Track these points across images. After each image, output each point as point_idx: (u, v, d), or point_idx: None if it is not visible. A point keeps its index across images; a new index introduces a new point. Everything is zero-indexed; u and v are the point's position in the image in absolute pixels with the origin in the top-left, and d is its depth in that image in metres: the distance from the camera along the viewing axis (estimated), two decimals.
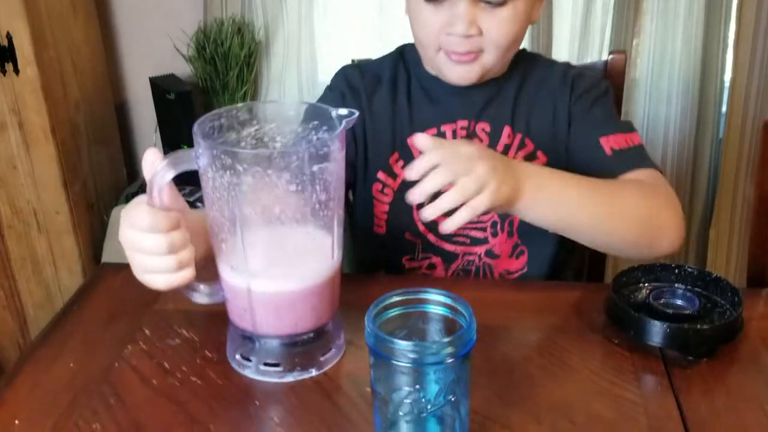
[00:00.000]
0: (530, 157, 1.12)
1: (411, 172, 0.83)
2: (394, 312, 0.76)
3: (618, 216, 0.96)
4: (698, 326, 0.88)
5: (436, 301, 0.75)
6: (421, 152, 0.85)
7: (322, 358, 0.87)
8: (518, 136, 1.12)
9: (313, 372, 0.85)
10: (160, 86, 2.07)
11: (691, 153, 2.05)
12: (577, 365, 0.87)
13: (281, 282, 0.82)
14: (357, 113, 0.81)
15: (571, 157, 1.11)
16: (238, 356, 0.86)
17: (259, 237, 0.80)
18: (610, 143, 1.07)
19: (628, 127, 1.11)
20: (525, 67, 1.15)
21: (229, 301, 0.86)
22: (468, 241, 1.16)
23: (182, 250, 0.80)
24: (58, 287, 1.96)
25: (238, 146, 0.84)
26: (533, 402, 0.81)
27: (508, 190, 0.87)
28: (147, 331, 0.93)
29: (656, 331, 0.87)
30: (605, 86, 1.15)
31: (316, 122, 0.85)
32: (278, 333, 0.85)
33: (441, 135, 1.13)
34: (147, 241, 0.79)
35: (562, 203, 0.94)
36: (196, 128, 0.79)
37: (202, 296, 0.86)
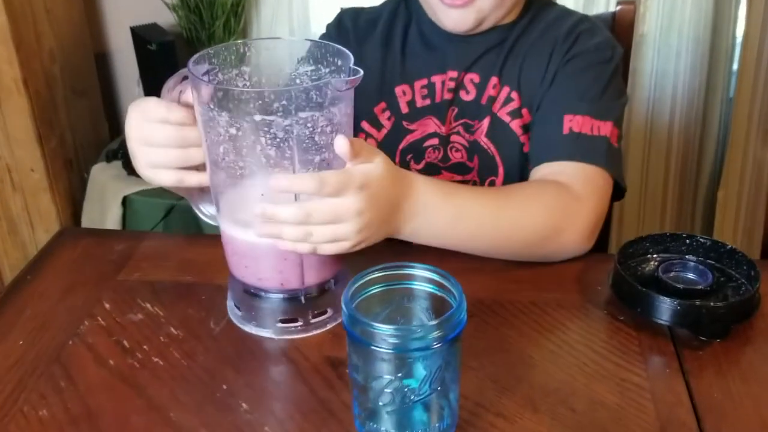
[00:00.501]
0: (515, 114, 1.03)
1: (278, 183, 0.71)
2: (375, 289, 0.68)
3: (506, 244, 0.89)
4: (711, 303, 0.80)
5: (422, 278, 0.67)
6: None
7: (313, 320, 0.81)
8: (505, 89, 1.03)
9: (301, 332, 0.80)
10: (142, 36, 1.96)
11: (700, 112, 1.96)
12: (579, 345, 0.79)
13: None
14: (361, 73, 0.73)
15: (533, 122, 1.02)
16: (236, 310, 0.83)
17: (258, 183, 0.74)
18: (572, 123, 0.95)
19: (607, 113, 0.96)
20: (534, 14, 1.05)
21: (228, 253, 0.81)
22: None
23: (194, 147, 0.77)
24: (36, 248, 1.88)
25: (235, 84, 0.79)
26: (530, 386, 0.73)
27: (374, 240, 0.79)
28: (107, 305, 0.85)
29: (665, 309, 0.79)
30: (609, 54, 1.01)
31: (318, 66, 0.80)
32: (282, 286, 0.79)
33: (431, 86, 1.05)
34: (159, 132, 0.76)
35: (446, 237, 0.87)
36: (191, 65, 0.73)
37: (210, 212, 0.83)
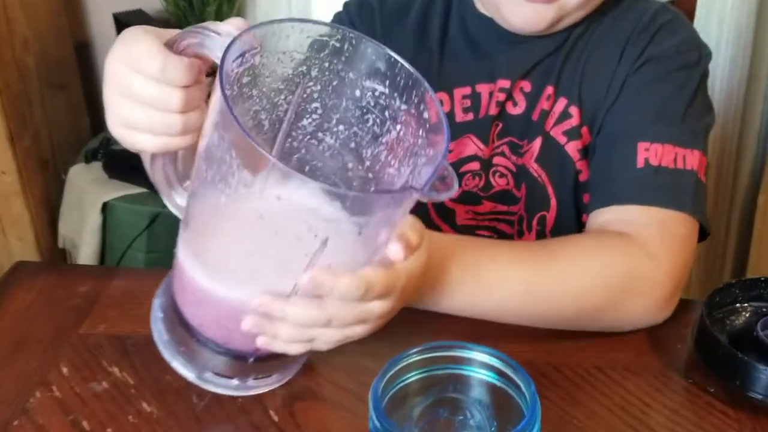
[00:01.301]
0: (573, 134, 0.82)
1: (316, 279, 0.53)
2: (412, 377, 0.50)
3: (546, 317, 0.72)
4: None
5: (478, 363, 0.50)
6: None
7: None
8: (561, 102, 0.82)
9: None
10: (126, 23, 1.79)
11: (740, 109, 1.78)
12: (662, 429, 0.62)
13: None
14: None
15: (594, 146, 0.82)
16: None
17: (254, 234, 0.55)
18: (649, 153, 0.74)
19: (694, 138, 0.76)
20: (604, 6, 0.82)
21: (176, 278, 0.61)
22: (494, 236, 0.90)
23: (194, 111, 0.56)
24: (8, 258, 1.70)
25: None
26: None
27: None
28: (65, 369, 0.67)
29: None
30: (696, 57, 0.80)
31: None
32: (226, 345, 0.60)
33: (475, 97, 0.85)
34: (151, 91, 0.54)
35: (471, 311, 0.71)
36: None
37: (181, 199, 0.61)
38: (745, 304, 0.73)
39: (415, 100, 0.54)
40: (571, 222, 0.87)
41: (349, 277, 0.53)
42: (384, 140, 0.58)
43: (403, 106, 0.55)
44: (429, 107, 0.54)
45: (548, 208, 0.87)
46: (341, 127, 0.60)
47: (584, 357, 0.69)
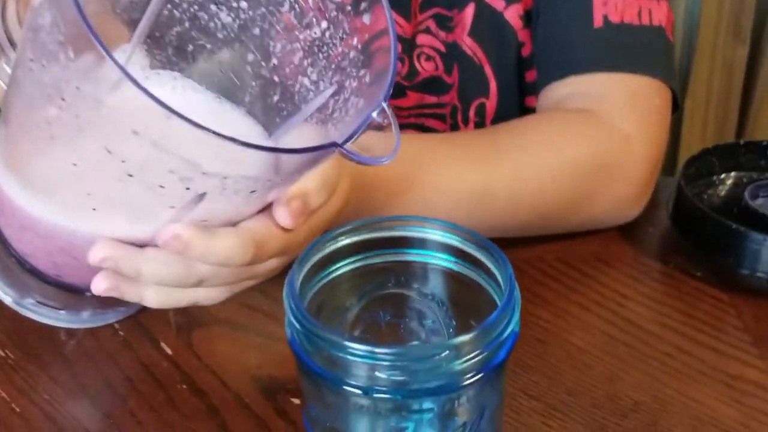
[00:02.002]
0: None
1: (173, 233, 0.36)
2: (340, 267, 0.37)
3: (506, 222, 0.57)
4: None
5: (429, 243, 0.37)
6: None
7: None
8: None
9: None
10: None
11: None
12: (649, 325, 0.51)
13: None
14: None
15: (538, 8, 0.68)
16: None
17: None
18: (608, 7, 0.62)
19: None
20: None
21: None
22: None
23: None
24: None
25: None
26: (592, 403, 0.45)
27: None
28: None
29: None
30: None
31: None
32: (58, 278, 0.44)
33: None
34: None
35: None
36: None
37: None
38: (722, 176, 0.62)
39: None
40: (515, 110, 0.75)
41: (231, 238, 0.37)
42: (302, 37, 0.43)
43: None
44: (372, 8, 0.39)
45: (487, 93, 0.73)
46: (244, 3, 0.45)
47: (545, 250, 0.58)
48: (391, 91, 0.35)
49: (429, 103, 0.76)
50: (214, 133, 0.30)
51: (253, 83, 0.45)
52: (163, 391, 0.46)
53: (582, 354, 0.48)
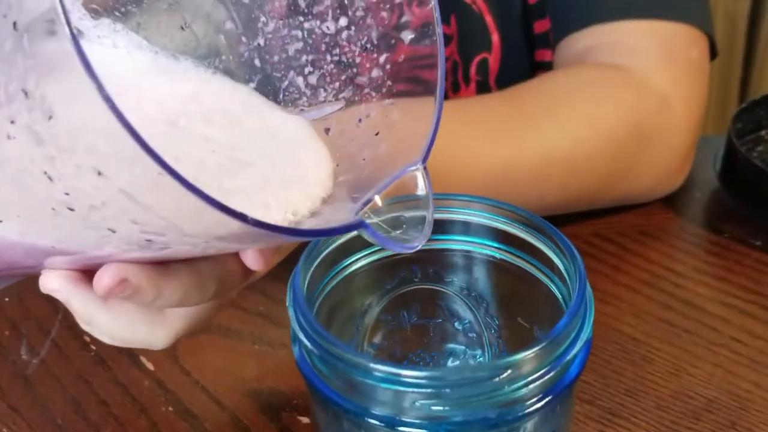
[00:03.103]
0: None
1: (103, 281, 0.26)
2: (355, 262, 0.30)
3: (526, 197, 0.48)
4: None
5: (469, 226, 0.30)
6: None
7: None
8: None
9: None
10: None
11: None
12: (701, 301, 0.44)
13: None
14: None
15: None
16: None
17: None
18: None
19: None
20: None
21: None
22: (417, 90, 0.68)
23: None
24: None
25: None
26: (645, 391, 0.38)
27: None
28: None
29: None
30: None
31: None
32: None
33: None
34: None
35: None
36: None
37: None
38: None
39: None
40: (523, 65, 0.67)
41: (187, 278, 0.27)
42: (307, 25, 0.34)
43: None
44: (419, 27, 0.30)
45: (489, 47, 0.65)
46: None
47: (579, 224, 0.50)
48: (431, 149, 0.27)
49: (423, 54, 0.67)
50: (234, 213, 0.20)
51: (225, 58, 0.36)
52: (146, 415, 0.39)
53: (638, 346, 0.41)
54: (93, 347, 0.43)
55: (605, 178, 0.49)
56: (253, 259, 0.26)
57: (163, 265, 0.25)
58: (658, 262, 0.47)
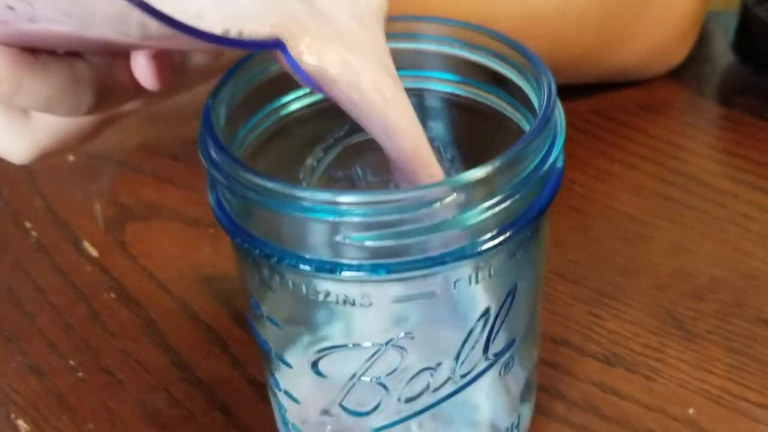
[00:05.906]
0: None
1: None
2: (298, 99, 0.25)
3: None
4: None
5: (422, 56, 0.25)
6: None
7: None
8: None
9: None
10: None
11: None
12: (713, 179, 0.39)
13: None
14: None
15: None
16: None
17: None
18: None
19: None
20: None
21: None
22: None
23: None
24: None
25: None
26: (651, 281, 0.34)
27: None
28: None
29: None
30: None
31: None
32: None
33: None
34: None
35: None
36: None
37: None
38: None
39: None
40: None
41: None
42: None
43: None
44: None
45: None
46: None
47: (576, 101, 0.45)
48: None
49: None
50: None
51: None
52: (85, 303, 0.35)
53: (633, 223, 0.37)
54: (33, 234, 0.39)
55: (595, 45, 0.44)
56: (144, 71, 0.21)
57: (30, 53, 0.21)
58: (660, 137, 0.42)
